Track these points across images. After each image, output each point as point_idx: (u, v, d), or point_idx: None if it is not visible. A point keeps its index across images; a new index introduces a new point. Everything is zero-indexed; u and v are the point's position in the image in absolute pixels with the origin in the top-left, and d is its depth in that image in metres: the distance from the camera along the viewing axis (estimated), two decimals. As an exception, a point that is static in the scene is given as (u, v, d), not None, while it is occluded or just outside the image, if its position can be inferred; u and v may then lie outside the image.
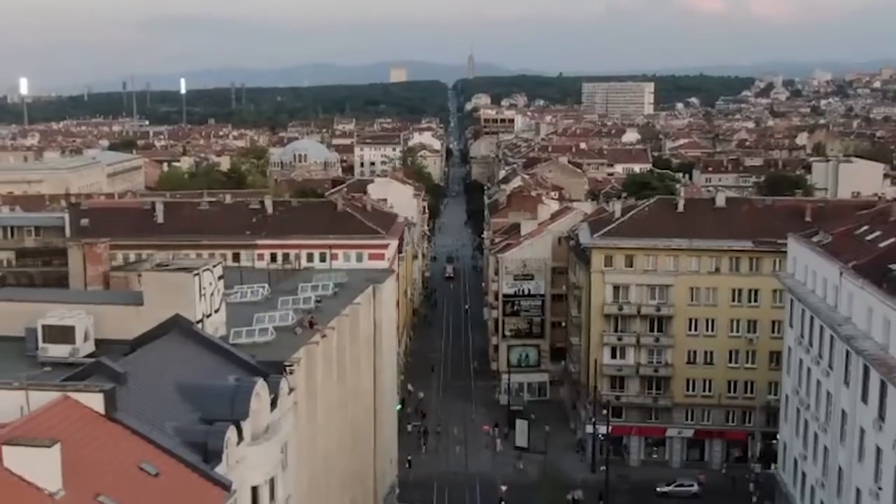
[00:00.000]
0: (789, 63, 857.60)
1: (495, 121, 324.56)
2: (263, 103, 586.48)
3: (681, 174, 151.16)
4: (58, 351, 33.68)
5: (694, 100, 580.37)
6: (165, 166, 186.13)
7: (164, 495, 25.56)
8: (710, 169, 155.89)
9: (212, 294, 36.89)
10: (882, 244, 42.30)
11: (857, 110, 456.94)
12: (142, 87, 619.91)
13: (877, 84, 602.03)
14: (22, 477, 22.82)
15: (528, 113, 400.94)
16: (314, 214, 68.67)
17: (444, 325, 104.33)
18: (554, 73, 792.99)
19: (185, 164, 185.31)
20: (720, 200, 67.35)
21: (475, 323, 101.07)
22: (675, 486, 61.08)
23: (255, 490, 30.17)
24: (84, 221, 65.66)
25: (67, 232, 65.07)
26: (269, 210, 67.60)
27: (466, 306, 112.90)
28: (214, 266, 37.47)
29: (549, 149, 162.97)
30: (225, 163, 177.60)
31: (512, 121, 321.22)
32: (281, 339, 37.80)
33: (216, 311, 37.16)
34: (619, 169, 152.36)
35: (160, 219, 66.32)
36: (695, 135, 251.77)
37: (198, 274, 35.39)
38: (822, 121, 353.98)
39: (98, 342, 34.32)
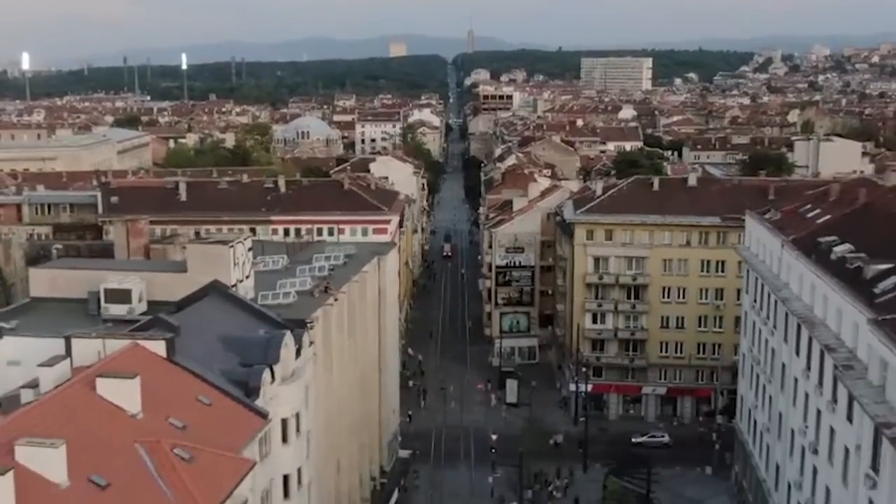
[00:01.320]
0: (789, 37, 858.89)
1: (494, 97, 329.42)
2: (263, 78, 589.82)
3: (670, 152, 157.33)
4: (117, 310, 40.28)
5: (692, 75, 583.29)
6: (171, 143, 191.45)
7: (218, 420, 32.32)
8: (699, 146, 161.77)
9: (243, 263, 43.62)
10: (819, 220, 48.83)
11: (853, 86, 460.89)
12: (141, 62, 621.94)
13: (875, 59, 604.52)
14: (112, 402, 29.61)
15: (527, 88, 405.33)
16: (323, 193, 75.15)
17: (441, 295, 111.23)
18: (553, 47, 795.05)
19: (190, 140, 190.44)
20: (692, 180, 73.89)
21: (471, 293, 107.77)
22: (649, 437, 68.09)
23: (284, 422, 36.93)
24: (114, 199, 72.06)
25: (100, 209, 71.54)
26: (283, 189, 74.07)
27: (463, 270, 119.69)
28: (245, 240, 44.19)
29: (544, 127, 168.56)
30: (229, 139, 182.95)
31: (510, 97, 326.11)
32: (301, 302, 44.51)
33: (247, 277, 43.90)
34: (611, 147, 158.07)
35: (183, 197, 72.68)
36: (689, 112, 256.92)
37: (232, 246, 42.10)
38: (817, 97, 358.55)
39: (150, 303, 40.94)
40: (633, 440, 67.27)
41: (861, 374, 33.96)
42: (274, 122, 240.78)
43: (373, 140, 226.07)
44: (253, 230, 69.83)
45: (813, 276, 42.55)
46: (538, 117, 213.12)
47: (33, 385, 31.34)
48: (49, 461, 24.82)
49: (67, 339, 33.90)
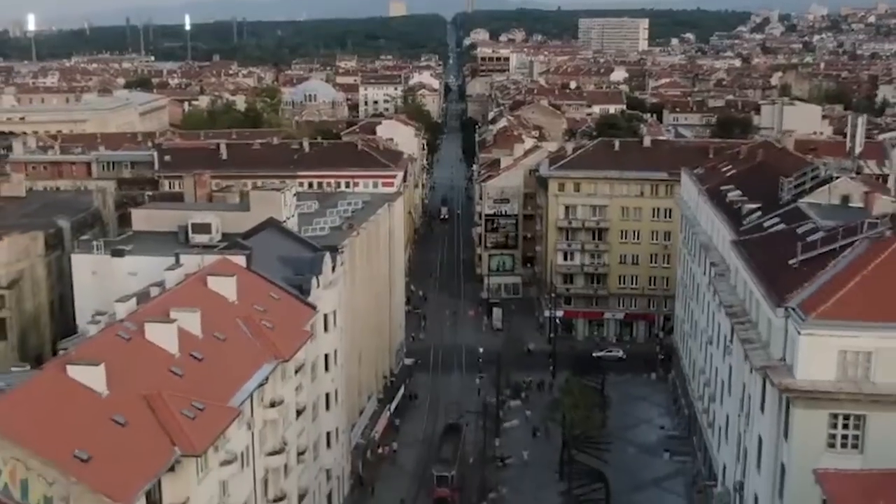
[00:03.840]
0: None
1: (491, 59, 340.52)
2: (264, 38, 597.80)
3: (651, 114, 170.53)
4: (201, 238, 55.02)
5: (689, 35, 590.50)
6: (186, 105, 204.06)
7: (285, 308, 47.48)
8: (677, 109, 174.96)
9: (290, 205, 58.59)
10: (727, 174, 63.54)
11: (846, 46, 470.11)
12: (142, 20, 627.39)
13: (871, 19, 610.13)
14: (218, 293, 44.71)
15: (525, 49, 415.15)
16: (340, 152, 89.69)
17: (439, 241, 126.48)
18: (553, 7, 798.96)
19: (203, 102, 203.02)
20: (646, 142, 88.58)
21: (465, 239, 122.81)
22: (606, 353, 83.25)
23: (325, 316, 52.13)
24: (167, 158, 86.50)
25: (156, 166, 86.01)
26: (307, 149, 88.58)
27: (458, 210, 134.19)
28: (291, 188, 59.08)
29: (535, 91, 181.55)
30: (239, 101, 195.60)
31: (507, 59, 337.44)
32: (332, 234, 59.59)
33: (292, 216, 58.88)
34: (596, 109, 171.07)
35: (224, 155, 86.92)
36: (676, 75, 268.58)
37: (283, 192, 57.02)
38: (808, 58, 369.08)
39: (223, 234, 55.79)
40: (594, 354, 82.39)
41: (726, 279, 49.08)
42: (281, 85, 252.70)
43: (375, 102, 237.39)
44: (283, 183, 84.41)
45: (712, 214, 57.46)
46: (531, 81, 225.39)
47: (159, 284, 46.32)
48: (190, 321, 40.06)
49: (177, 255, 49.05)
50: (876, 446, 34.51)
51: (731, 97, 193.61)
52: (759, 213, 51.39)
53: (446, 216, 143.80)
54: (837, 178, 49.07)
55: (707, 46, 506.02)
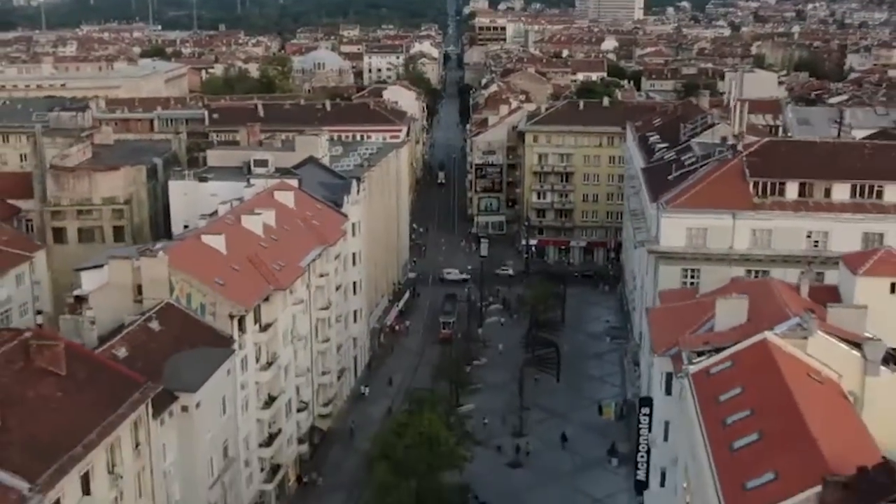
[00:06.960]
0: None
1: (489, 28, 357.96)
2: (267, 7, 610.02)
3: (628, 81, 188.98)
4: (260, 171, 74.93)
5: (685, 3, 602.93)
6: (203, 73, 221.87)
7: (327, 215, 67.62)
8: (653, 77, 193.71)
9: (324, 147, 78.64)
10: (656, 125, 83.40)
11: (837, 15, 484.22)
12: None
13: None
14: (282, 202, 65.00)
15: (522, 18, 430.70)
16: (356, 111, 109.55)
17: (438, 191, 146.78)
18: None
19: (218, 70, 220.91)
20: (605, 102, 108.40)
21: (460, 188, 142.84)
22: (502, 269, 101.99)
23: (353, 224, 72.34)
24: (215, 115, 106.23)
25: (206, 122, 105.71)
26: (329, 109, 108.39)
27: (454, 156, 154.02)
28: (324, 136, 79.11)
29: (525, 60, 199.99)
30: (252, 69, 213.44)
31: (504, 28, 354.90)
32: (355, 169, 79.55)
33: (326, 155, 78.95)
34: (580, 76, 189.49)
35: (261, 114, 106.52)
36: (662, 44, 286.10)
37: (320, 137, 77.06)
38: (796, 27, 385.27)
39: (276, 168, 75.73)
40: (496, 272, 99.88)
41: (638, 195, 69.27)
42: (292, 54, 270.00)
43: (378, 70, 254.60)
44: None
45: (637, 153, 77.51)
46: (524, 50, 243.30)
47: (238, 198, 66.28)
48: (268, 217, 60.19)
49: (248, 179, 69.24)
50: (707, 287, 54.84)
51: (709, 65, 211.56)
52: (664, 149, 71.44)
53: (443, 181, 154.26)
54: (717, 124, 68.96)
55: (701, 15, 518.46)
